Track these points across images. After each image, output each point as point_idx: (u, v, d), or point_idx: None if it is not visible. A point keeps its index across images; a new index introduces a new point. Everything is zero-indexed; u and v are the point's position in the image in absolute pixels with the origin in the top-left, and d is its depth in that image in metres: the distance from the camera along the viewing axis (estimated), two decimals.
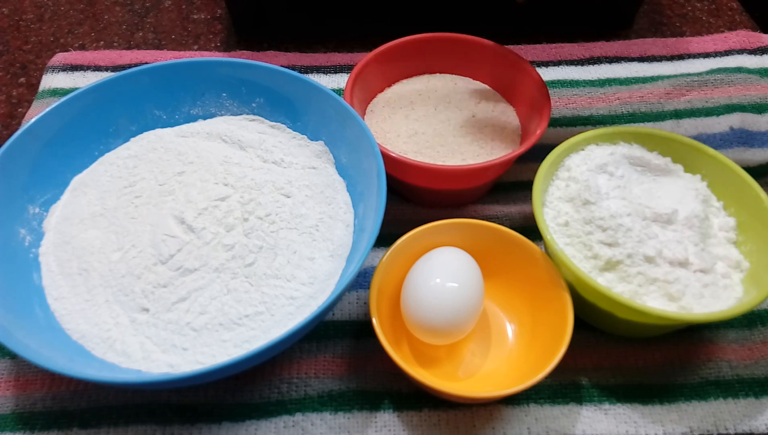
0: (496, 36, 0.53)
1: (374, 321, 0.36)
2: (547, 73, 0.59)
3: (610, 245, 0.39)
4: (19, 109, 0.59)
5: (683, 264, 0.38)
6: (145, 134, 0.47)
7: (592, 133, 0.44)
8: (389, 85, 0.53)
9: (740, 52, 0.61)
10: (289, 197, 0.42)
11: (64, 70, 0.58)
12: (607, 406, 0.39)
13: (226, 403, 0.39)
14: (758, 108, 0.55)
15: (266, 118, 0.48)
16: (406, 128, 0.48)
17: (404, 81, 0.53)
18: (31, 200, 0.42)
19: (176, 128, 0.47)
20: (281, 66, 0.46)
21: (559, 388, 0.39)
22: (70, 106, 0.44)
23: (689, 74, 0.59)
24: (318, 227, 0.41)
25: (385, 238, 0.44)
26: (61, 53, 0.60)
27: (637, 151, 0.44)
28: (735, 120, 0.54)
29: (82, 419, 0.38)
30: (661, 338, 0.42)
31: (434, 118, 0.49)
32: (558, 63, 0.60)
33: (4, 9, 0.69)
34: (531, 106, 0.49)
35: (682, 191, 0.42)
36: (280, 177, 0.43)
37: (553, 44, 0.62)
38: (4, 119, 0.58)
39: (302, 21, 0.64)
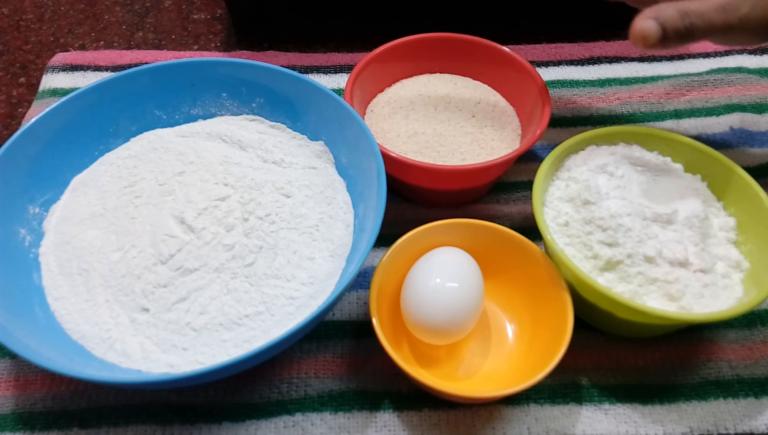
0: (496, 36, 0.53)
1: (374, 321, 0.36)
2: (547, 73, 0.59)
3: (610, 245, 0.39)
4: (19, 109, 0.59)
5: (683, 264, 0.38)
6: (145, 134, 0.47)
7: (592, 133, 0.44)
8: (389, 85, 0.53)
9: (740, 52, 0.61)
10: (289, 197, 0.42)
11: (64, 70, 0.58)
12: (607, 406, 0.39)
13: (226, 403, 0.39)
14: (758, 108, 0.55)
15: (266, 118, 0.48)
16: (406, 128, 0.48)
17: (404, 81, 0.53)
18: (31, 200, 0.42)
19: (176, 128, 0.47)
20: (281, 66, 0.46)
21: (559, 388, 0.39)
22: (70, 106, 0.44)
23: (689, 74, 0.59)
24: (318, 227, 0.41)
25: (385, 238, 0.44)
26: (61, 53, 0.60)
27: (637, 151, 0.44)
28: (735, 120, 0.54)
29: (82, 419, 0.38)
30: (661, 338, 0.42)
31: (434, 118, 0.49)
32: (558, 63, 0.60)
33: (4, 9, 0.69)
34: (531, 106, 0.49)
35: (682, 191, 0.42)
36: (280, 177, 0.43)
37: (553, 44, 0.62)
38: (4, 119, 0.58)
39: (302, 21, 0.64)
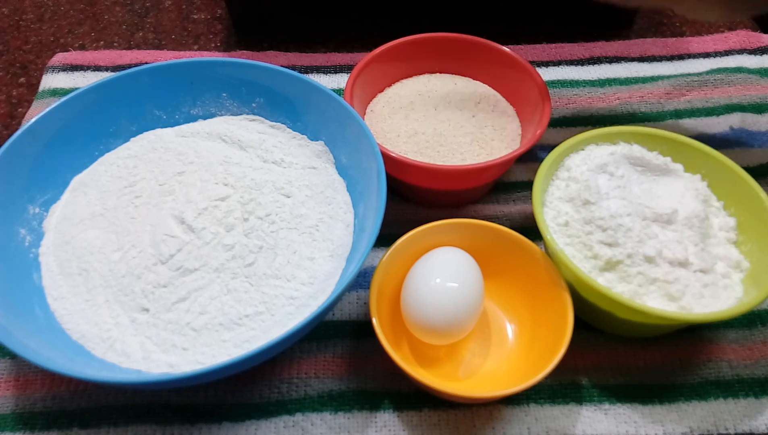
0: (496, 36, 0.53)
1: (374, 321, 0.36)
2: (547, 73, 0.59)
3: (610, 245, 0.39)
4: (19, 109, 0.59)
5: (683, 264, 0.38)
6: (145, 134, 0.47)
7: (592, 133, 0.44)
8: (389, 85, 0.53)
9: (740, 52, 0.61)
10: (289, 197, 0.42)
11: (64, 70, 0.58)
12: (607, 406, 0.39)
13: (226, 403, 0.39)
14: (758, 108, 0.55)
15: (266, 118, 0.48)
16: (406, 128, 0.48)
17: (404, 81, 0.53)
18: (31, 200, 0.42)
19: (176, 128, 0.47)
20: (281, 66, 0.46)
21: (559, 388, 0.39)
22: (70, 106, 0.44)
23: (689, 74, 0.59)
24: (318, 227, 0.41)
25: (385, 238, 0.44)
26: (61, 53, 0.60)
27: (637, 151, 0.44)
28: (735, 120, 0.54)
29: (82, 419, 0.38)
30: (661, 338, 0.42)
31: (434, 118, 0.49)
32: (558, 63, 0.60)
33: (4, 9, 0.69)
34: (531, 106, 0.49)
35: (682, 191, 0.42)
36: (280, 177, 0.43)
37: (553, 44, 0.62)
38: (4, 119, 0.58)
39: (302, 21, 0.64)
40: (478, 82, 0.53)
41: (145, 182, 0.43)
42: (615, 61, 0.60)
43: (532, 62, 0.58)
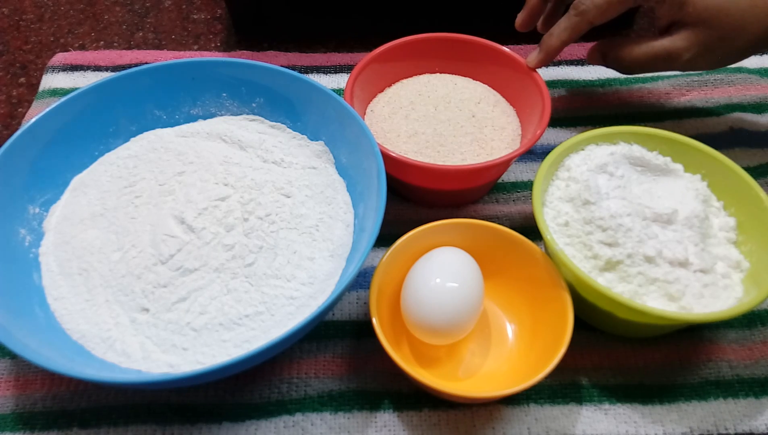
0: (496, 36, 0.53)
1: (374, 321, 0.36)
2: (547, 73, 0.59)
3: (610, 245, 0.39)
4: (19, 109, 0.59)
5: (683, 264, 0.38)
6: (145, 134, 0.47)
7: (592, 133, 0.44)
8: (389, 85, 0.53)
9: None
10: (289, 197, 0.42)
11: (64, 70, 0.58)
12: (607, 406, 0.39)
13: (226, 403, 0.39)
14: (758, 108, 0.55)
15: (266, 118, 0.48)
16: (406, 128, 0.48)
17: (404, 81, 0.53)
18: (31, 200, 0.42)
19: (176, 128, 0.47)
20: (281, 66, 0.46)
21: (559, 388, 0.39)
22: (70, 106, 0.44)
23: (689, 74, 0.59)
24: (318, 227, 0.41)
25: (385, 238, 0.44)
26: (61, 53, 0.60)
27: (637, 151, 0.44)
28: (735, 120, 0.54)
29: (82, 419, 0.38)
30: (661, 338, 0.42)
31: (434, 118, 0.49)
32: (558, 63, 0.60)
33: (4, 9, 0.69)
34: (531, 106, 0.49)
35: (682, 191, 0.42)
36: (280, 177, 0.43)
37: None
38: (4, 119, 0.58)
39: (302, 21, 0.64)
40: (478, 82, 0.53)
41: (145, 182, 0.43)
42: None
43: None
